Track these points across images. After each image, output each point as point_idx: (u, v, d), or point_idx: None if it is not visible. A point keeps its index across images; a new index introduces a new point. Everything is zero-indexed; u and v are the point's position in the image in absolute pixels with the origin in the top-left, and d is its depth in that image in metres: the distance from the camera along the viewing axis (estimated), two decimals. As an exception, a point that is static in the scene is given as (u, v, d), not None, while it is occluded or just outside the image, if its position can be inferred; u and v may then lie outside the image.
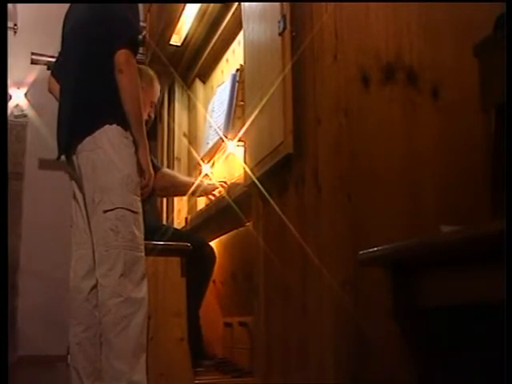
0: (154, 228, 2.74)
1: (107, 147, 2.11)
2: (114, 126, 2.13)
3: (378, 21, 1.84)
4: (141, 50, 4.27)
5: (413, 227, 1.72)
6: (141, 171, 2.18)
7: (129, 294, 2.03)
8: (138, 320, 2.03)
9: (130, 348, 2.01)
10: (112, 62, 2.13)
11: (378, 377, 1.59)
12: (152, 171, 2.23)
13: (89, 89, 2.20)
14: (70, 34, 2.35)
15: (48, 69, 4.66)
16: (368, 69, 1.80)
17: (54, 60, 4.46)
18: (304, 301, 1.84)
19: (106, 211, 2.08)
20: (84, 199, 2.19)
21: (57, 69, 2.50)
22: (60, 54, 2.50)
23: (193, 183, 3.08)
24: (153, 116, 3.08)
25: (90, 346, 2.15)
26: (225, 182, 3.01)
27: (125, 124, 2.14)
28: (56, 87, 2.44)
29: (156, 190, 2.96)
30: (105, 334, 2.04)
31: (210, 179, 3.32)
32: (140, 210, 2.15)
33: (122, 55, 2.13)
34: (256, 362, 2.27)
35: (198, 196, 3.26)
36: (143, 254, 2.13)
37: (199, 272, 2.72)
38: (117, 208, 2.07)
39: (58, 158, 2.32)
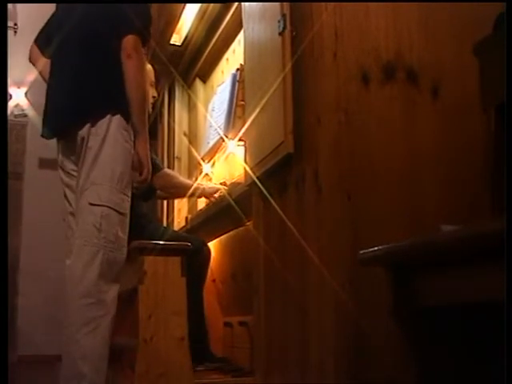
0: (153, 230, 2.74)
1: (105, 139, 2.08)
2: (117, 116, 2.10)
3: (378, 20, 1.84)
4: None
5: (413, 227, 1.71)
6: (140, 163, 2.17)
7: (101, 296, 2.02)
8: (106, 323, 2.02)
9: (97, 351, 1.99)
10: (119, 48, 2.09)
11: (378, 377, 1.59)
12: (150, 165, 2.20)
13: (93, 75, 2.15)
14: (71, 27, 2.29)
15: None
16: (368, 68, 1.80)
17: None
18: (304, 300, 1.83)
19: (92, 204, 2.05)
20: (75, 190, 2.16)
21: (43, 40, 2.41)
22: (47, 24, 2.45)
23: (192, 187, 3.08)
24: (157, 95, 3.09)
25: None
26: (225, 183, 3.01)
27: (127, 115, 2.12)
28: (40, 59, 2.37)
29: (156, 190, 2.96)
30: (71, 332, 2.01)
31: (211, 179, 3.33)
32: (127, 212, 2.12)
33: (130, 40, 2.09)
34: (256, 362, 2.27)
35: (198, 197, 3.25)
36: (124, 256, 2.11)
37: (198, 273, 2.72)
38: (103, 205, 2.05)
39: (45, 137, 2.27)
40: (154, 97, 2.98)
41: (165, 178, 3.00)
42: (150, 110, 2.97)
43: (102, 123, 2.09)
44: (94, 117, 2.10)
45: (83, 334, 1.98)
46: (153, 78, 3.01)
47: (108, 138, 2.08)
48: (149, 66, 3.00)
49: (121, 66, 2.10)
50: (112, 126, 2.09)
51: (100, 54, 2.15)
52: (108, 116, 2.09)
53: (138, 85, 2.11)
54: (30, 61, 2.44)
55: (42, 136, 2.29)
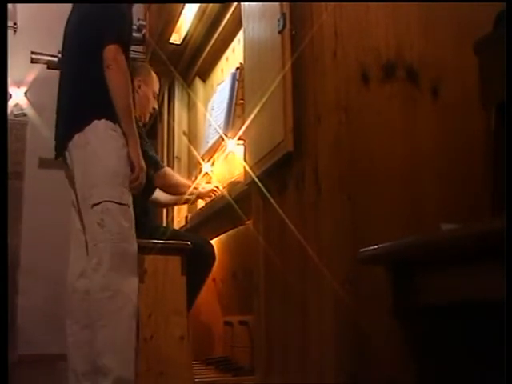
0: (153, 229, 2.75)
1: (94, 142, 2.12)
2: (103, 120, 2.14)
3: (378, 18, 1.83)
4: (141, 48, 4.28)
5: (413, 225, 1.71)
6: (131, 165, 2.18)
7: (117, 287, 2.03)
8: (126, 314, 2.03)
9: (118, 343, 2.01)
10: (101, 58, 2.14)
11: (377, 377, 1.59)
12: (143, 164, 2.22)
13: (78, 85, 2.22)
14: (68, 34, 2.37)
15: (48, 68, 4.66)
16: (368, 66, 1.80)
17: (53, 59, 4.49)
18: (304, 300, 1.83)
19: (93, 205, 2.09)
20: (77, 197, 2.20)
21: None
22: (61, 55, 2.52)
23: (190, 186, 3.11)
24: (157, 107, 3.09)
25: (87, 345, 2.14)
26: (217, 188, 3.03)
27: (114, 117, 2.15)
28: None
29: (155, 187, 2.97)
30: (94, 328, 2.03)
31: (210, 178, 3.33)
32: (129, 202, 2.15)
33: (109, 51, 2.14)
34: (256, 361, 2.27)
35: (193, 202, 3.26)
36: (133, 245, 2.13)
37: (199, 271, 2.72)
38: (103, 201, 2.08)
39: (56, 157, 2.33)
40: (154, 108, 3.00)
41: (165, 177, 3.02)
42: (147, 119, 2.99)
43: (89, 129, 2.14)
44: (79, 125, 2.15)
45: (103, 329, 2.00)
46: (156, 90, 3.02)
47: (96, 141, 2.13)
48: (153, 76, 3.00)
49: (102, 74, 2.15)
50: (99, 130, 2.14)
51: (84, 68, 2.22)
52: (94, 121, 2.14)
53: (119, 93, 2.16)
54: None
55: (55, 159, 2.34)
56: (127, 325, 2.03)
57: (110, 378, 1.97)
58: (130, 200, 2.16)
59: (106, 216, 2.07)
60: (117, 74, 2.15)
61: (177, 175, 3.31)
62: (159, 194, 3.18)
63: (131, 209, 2.15)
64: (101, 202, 2.08)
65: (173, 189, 3.15)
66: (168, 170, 3.23)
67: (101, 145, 2.12)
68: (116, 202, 2.10)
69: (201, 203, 3.53)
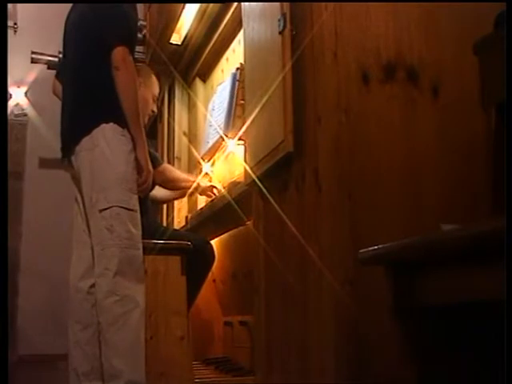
0: (154, 228, 2.75)
1: (103, 146, 2.12)
2: (111, 124, 2.14)
3: (378, 19, 1.83)
4: (141, 48, 4.28)
5: (413, 226, 1.71)
6: (139, 168, 2.18)
7: (124, 292, 2.04)
8: (134, 318, 2.03)
9: (127, 346, 2.01)
10: (108, 59, 2.13)
11: (378, 377, 1.59)
12: (151, 168, 2.22)
13: (85, 88, 2.21)
14: (69, 35, 2.36)
15: (48, 68, 4.66)
16: (368, 67, 1.80)
17: (54, 59, 4.49)
18: (304, 300, 1.83)
19: (101, 210, 2.09)
20: (83, 199, 2.20)
21: (60, 71, 2.52)
22: (63, 55, 2.51)
23: (192, 180, 3.11)
24: (156, 111, 3.10)
25: (88, 345, 2.15)
26: (217, 189, 3.04)
27: (122, 121, 2.15)
28: (60, 89, 2.45)
29: (156, 184, 2.97)
30: (102, 333, 2.05)
31: (211, 178, 3.33)
32: (137, 208, 2.15)
33: (118, 53, 2.14)
34: (256, 361, 2.27)
35: (191, 194, 3.26)
36: (140, 251, 2.13)
37: (199, 271, 2.72)
38: (112, 207, 2.08)
39: (62, 161, 2.33)
40: (153, 111, 2.97)
41: (165, 173, 3.03)
42: (146, 122, 2.98)
43: (98, 134, 2.14)
44: (88, 128, 2.15)
45: (112, 333, 2.01)
46: (156, 93, 2.98)
47: (105, 145, 2.13)
48: (154, 79, 2.98)
49: (111, 76, 2.15)
50: (107, 134, 2.14)
51: (91, 70, 2.21)
52: (102, 125, 2.13)
53: (128, 94, 2.16)
54: (54, 93, 2.53)
55: (62, 159, 2.33)
56: (136, 328, 2.04)
57: (121, 381, 1.97)
58: (137, 205, 2.16)
59: (115, 221, 2.08)
60: (126, 77, 2.14)
61: (177, 170, 3.32)
62: (156, 191, 3.17)
63: (138, 214, 2.16)
64: (110, 207, 2.08)
65: (173, 184, 3.16)
66: (167, 165, 3.24)
67: (110, 149, 2.12)
68: (125, 208, 2.10)
69: (201, 203, 3.53)
